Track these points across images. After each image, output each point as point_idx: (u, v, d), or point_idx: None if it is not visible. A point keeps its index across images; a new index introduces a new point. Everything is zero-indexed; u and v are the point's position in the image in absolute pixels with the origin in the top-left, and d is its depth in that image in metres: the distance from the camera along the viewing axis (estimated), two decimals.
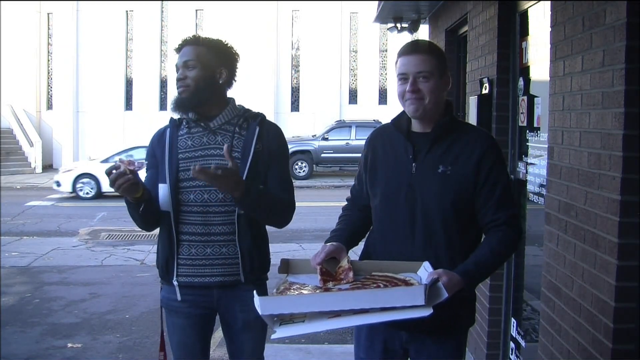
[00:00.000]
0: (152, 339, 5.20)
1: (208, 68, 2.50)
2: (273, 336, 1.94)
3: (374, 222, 2.36)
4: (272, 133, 2.57)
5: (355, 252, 2.31)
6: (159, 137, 2.59)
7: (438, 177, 2.18)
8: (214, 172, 2.21)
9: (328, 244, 2.22)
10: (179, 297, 2.52)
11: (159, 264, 2.59)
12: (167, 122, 2.63)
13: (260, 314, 1.93)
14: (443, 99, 2.24)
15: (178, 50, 2.55)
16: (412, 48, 2.21)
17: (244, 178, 2.42)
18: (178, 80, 2.51)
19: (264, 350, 2.67)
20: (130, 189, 2.32)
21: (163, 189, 2.49)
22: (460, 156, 2.19)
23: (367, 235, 2.44)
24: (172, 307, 2.56)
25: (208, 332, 2.65)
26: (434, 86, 2.18)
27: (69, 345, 5.13)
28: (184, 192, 2.47)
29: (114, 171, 2.29)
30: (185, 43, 2.55)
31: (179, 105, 2.51)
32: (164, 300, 2.60)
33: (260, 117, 2.59)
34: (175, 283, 2.52)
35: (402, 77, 2.20)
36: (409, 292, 1.89)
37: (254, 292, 2.01)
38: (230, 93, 2.62)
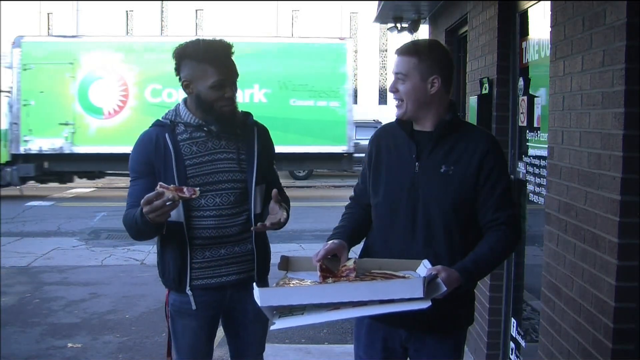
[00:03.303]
0: (152, 339, 5.21)
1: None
2: (272, 327, 1.95)
3: (375, 220, 2.36)
4: (265, 132, 2.63)
5: (354, 252, 2.31)
6: (154, 143, 2.44)
7: (440, 177, 2.20)
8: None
9: (329, 242, 2.23)
10: (194, 307, 2.49)
11: (169, 275, 2.50)
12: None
13: (259, 305, 1.94)
14: (429, 100, 2.21)
15: (221, 62, 2.38)
16: (399, 48, 2.26)
17: (253, 179, 2.48)
18: (230, 99, 2.41)
19: (265, 343, 2.70)
20: (168, 215, 2.22)
21: None
22: (463, 156, 2.20)
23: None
24: (183, 310, 2.52)
25: (214, 334, 2.65)
26: (410, 88, 2.20)
27: (69, 345, 5.12)
28: (194, 199, 2.41)
29: (157, 200, 2.14)
30: (225, 53, 2.41)
31: (235, 121, 2.47)
32: (175, 304, 2.54)
33: (251, 116, 2.61)
34: (189, 293, 2.47)
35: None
36: (408, 284, 1.91)
37: (254, 284, 2.02)
38: None
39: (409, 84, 2.20)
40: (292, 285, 2.09)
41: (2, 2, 20.20)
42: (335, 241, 2.23)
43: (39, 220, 11.78)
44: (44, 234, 10.48)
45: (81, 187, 17.35)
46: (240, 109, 2.53)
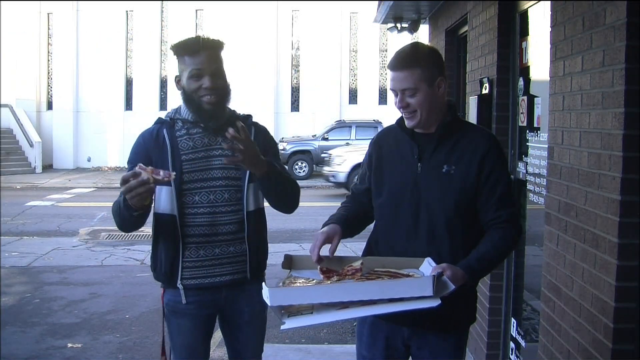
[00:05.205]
0: (152, 339, 5.21)
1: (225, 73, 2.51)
2: (282, 327, 1.93)
3: (378, 220, 2.38)
4: (264, 132, 2.64)
5: (355, 252, 2.31)
6: (154, 138, 2.49)
7: (442, 177, 2.21)
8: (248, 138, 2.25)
9: (321, 231, 2.22)
10: (184, 301, 2.49)
11: (160, 269, 2.52)
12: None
13: (269, 305, 1.93)
14: (438, 103, 2.24)
15: (194, 52, 2.41)
16: (395, 63, 2.21)
17: (247, 176, 2.47)
18: (209, 89, 2.41)
19: (263, 344, 2.70)
20: (146, 198, 2.22)
21: (166, 192, 2.44)
22: (464, 156, 2.22)
23: (369, 233, 2.45)
24: (177, 309, 2.53)
25: (210, 333, 2.65)
26: (423, 98, 2.19)
27: (69, 345, 5.13)
28: (188, 194, 2.44)
29: (132, 179, 2.13)
30: (204, 47, 2.43)
31: (216, 115, 2.45)
32: (169, 303, 2.55)
33: (250, 117, 2.63)
34: (180, 286, 2.48)
35: (393, 91, 2.25)
36: (417, 282, 1.92)
37: (263, 283, 2.01)
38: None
39: (420, 96, 2.18)
40: (298, 284, 2.09)
41: (2, 2, 20.18)
42: (327, 229, 2.23)
43: (39, 220, 11.78)
44: (44, 234, 10.48)
45: (81, 187, 17.36)
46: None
